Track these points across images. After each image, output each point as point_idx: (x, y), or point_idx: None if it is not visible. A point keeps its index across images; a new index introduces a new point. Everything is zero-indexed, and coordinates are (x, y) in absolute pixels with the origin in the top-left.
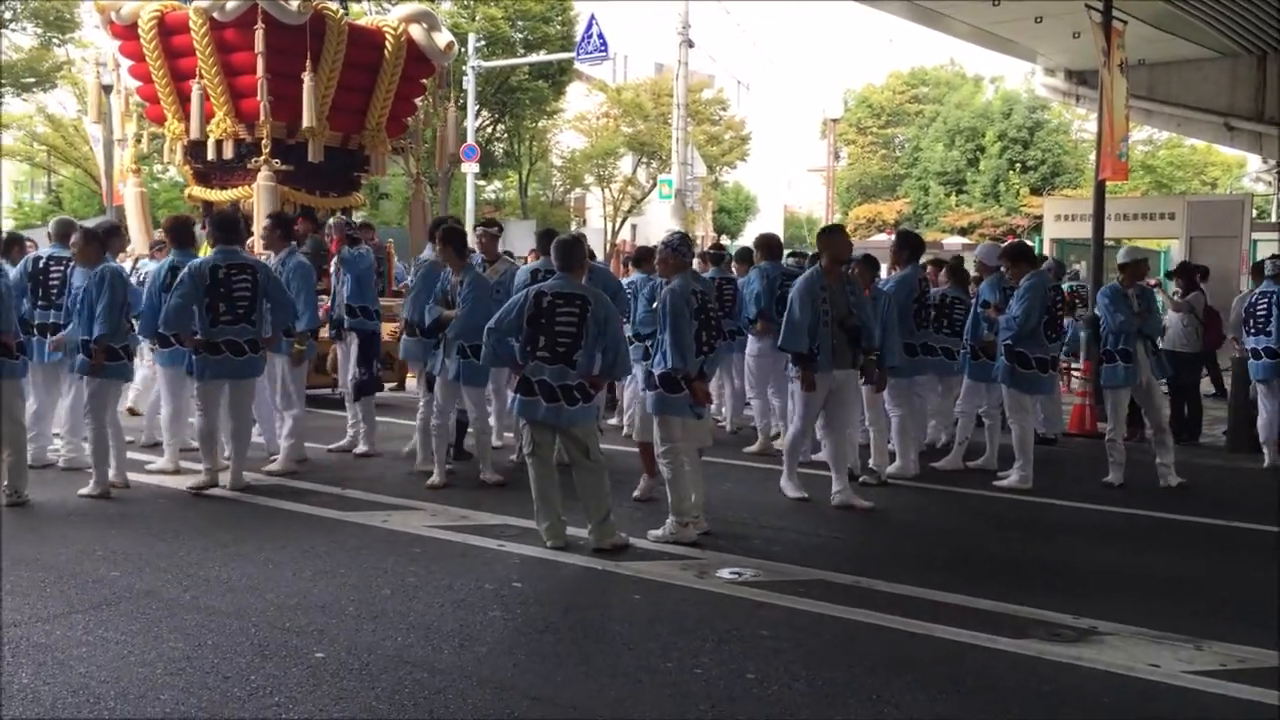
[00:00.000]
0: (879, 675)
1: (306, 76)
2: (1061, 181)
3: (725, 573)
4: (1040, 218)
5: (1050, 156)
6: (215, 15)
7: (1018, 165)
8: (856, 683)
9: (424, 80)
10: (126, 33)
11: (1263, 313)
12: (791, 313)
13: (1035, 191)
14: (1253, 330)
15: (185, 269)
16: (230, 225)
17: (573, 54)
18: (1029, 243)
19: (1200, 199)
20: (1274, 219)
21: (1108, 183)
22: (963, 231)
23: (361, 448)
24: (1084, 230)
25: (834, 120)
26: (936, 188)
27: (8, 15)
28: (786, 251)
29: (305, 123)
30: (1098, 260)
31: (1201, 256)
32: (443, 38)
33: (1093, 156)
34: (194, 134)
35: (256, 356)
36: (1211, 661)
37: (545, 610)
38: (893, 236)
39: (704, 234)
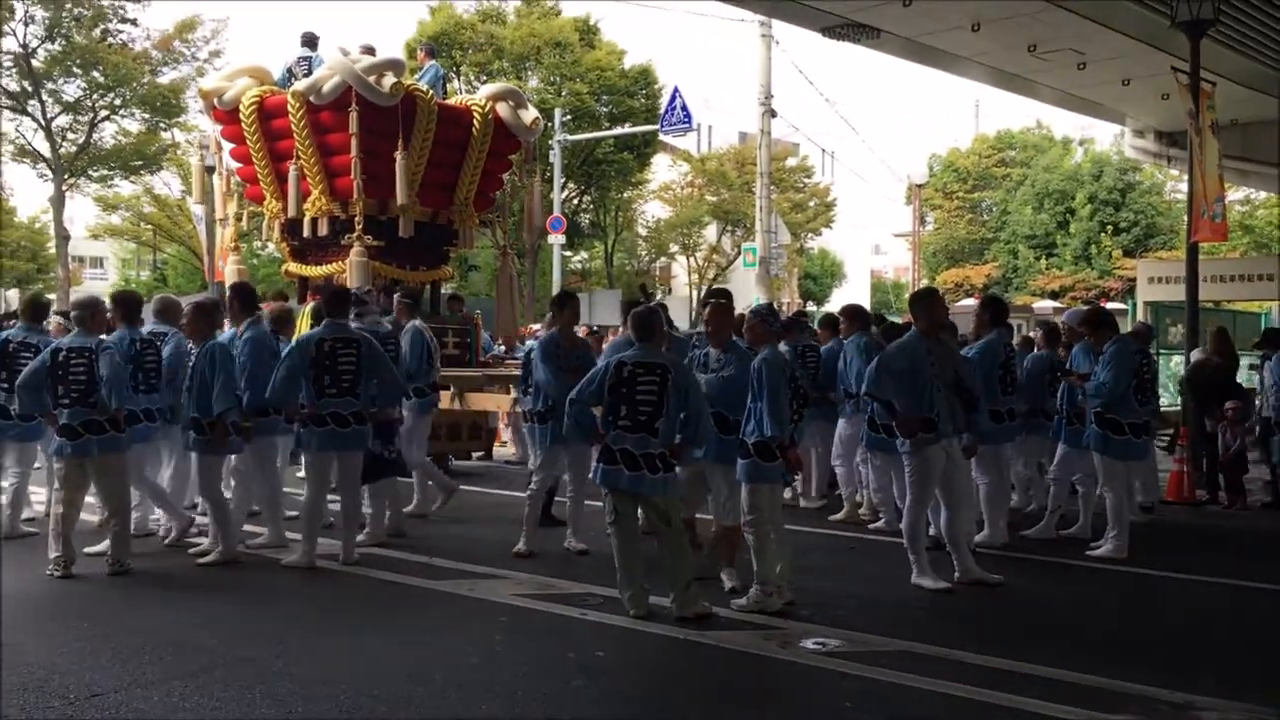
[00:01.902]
0: None
1: (399, 155)
2: (1155, 243)
3: (809, 643)
4: (1133, 280)
5: (1143, 218)
6: (312, 99)
7: (1109, 227)
8: None
9: (511, 155)
10: (228, 117)
11: None
12: (884, 366)
13: (1128, 254)
14: None
15: (293, 342)
16: (340, 300)
17: (657, 126)
18: (1120, 305)
19: None
20: None
21: (1204, 244)
22: (1053, 295)
23: (361, 536)
24: (1178, 293)
25: (919, 185)
26: (1025, 251)
27: (118, 102)
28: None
29: (399, 200)
30: (1192, 323)
31: None
32: (528, 114)
33: (1187, 217)
34: (291, 212)
35: (362, 429)
36: None
37: (628, 680)
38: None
39: (789, 301)
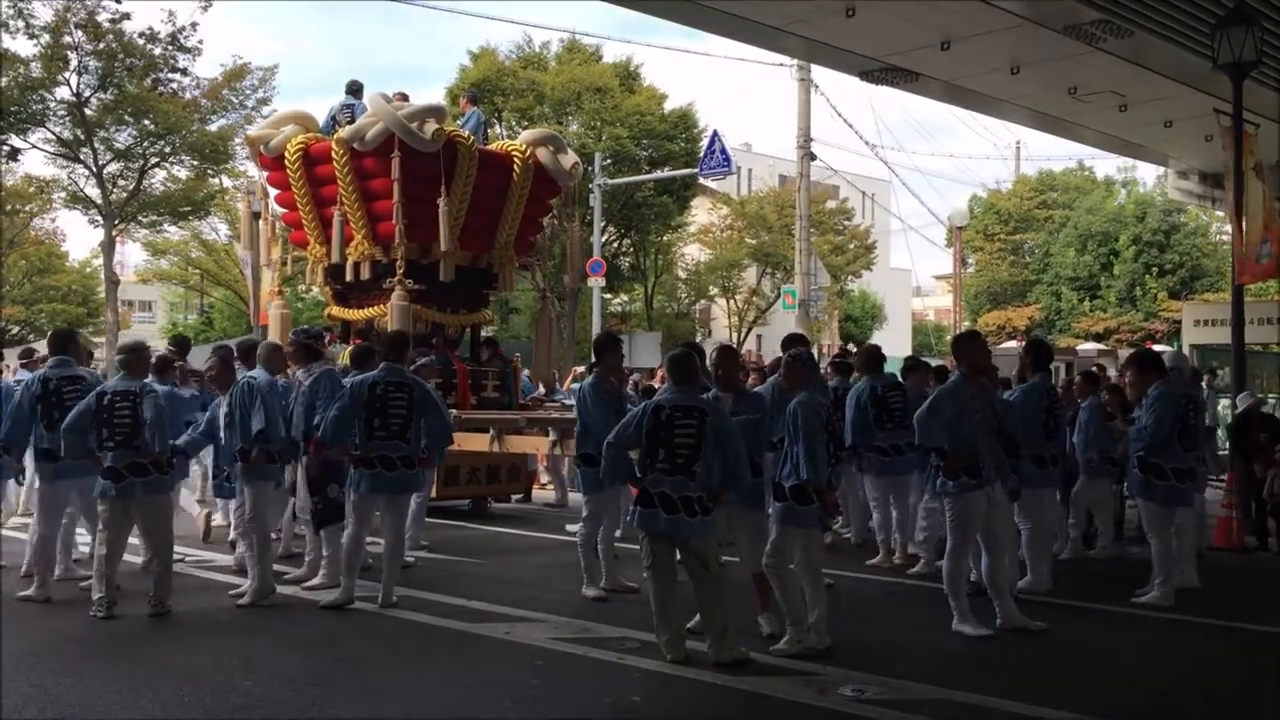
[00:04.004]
0: None
1: (441, 201)
2: (1201, 285)
3: (847, 690)
4: (1179, 323)
5: (1188, 260)
6: (355, 145)
7: (1154, 269)
8: None
9: (551, 200)
10: (274, 163)
11: None
12: (934, 410)
13: (1174, 295)
14: None
15: (348, 384)
16: (399, 345)
17: (696, 169)
18: (1158, 349)
19: None
20: None
21: (1250, 286)
22: (1098, 337)
23: (316, 580)
24: (1224, 335)
25: (960, 228)
26: (1069, 293)
27: (168, 150)
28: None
29: (442, 246)
30: (1239, 365)
31: None
32: (568, 159)
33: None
34: (334, 257)
35: (411, 473)
36: None
37: None
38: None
39: (830, 343)
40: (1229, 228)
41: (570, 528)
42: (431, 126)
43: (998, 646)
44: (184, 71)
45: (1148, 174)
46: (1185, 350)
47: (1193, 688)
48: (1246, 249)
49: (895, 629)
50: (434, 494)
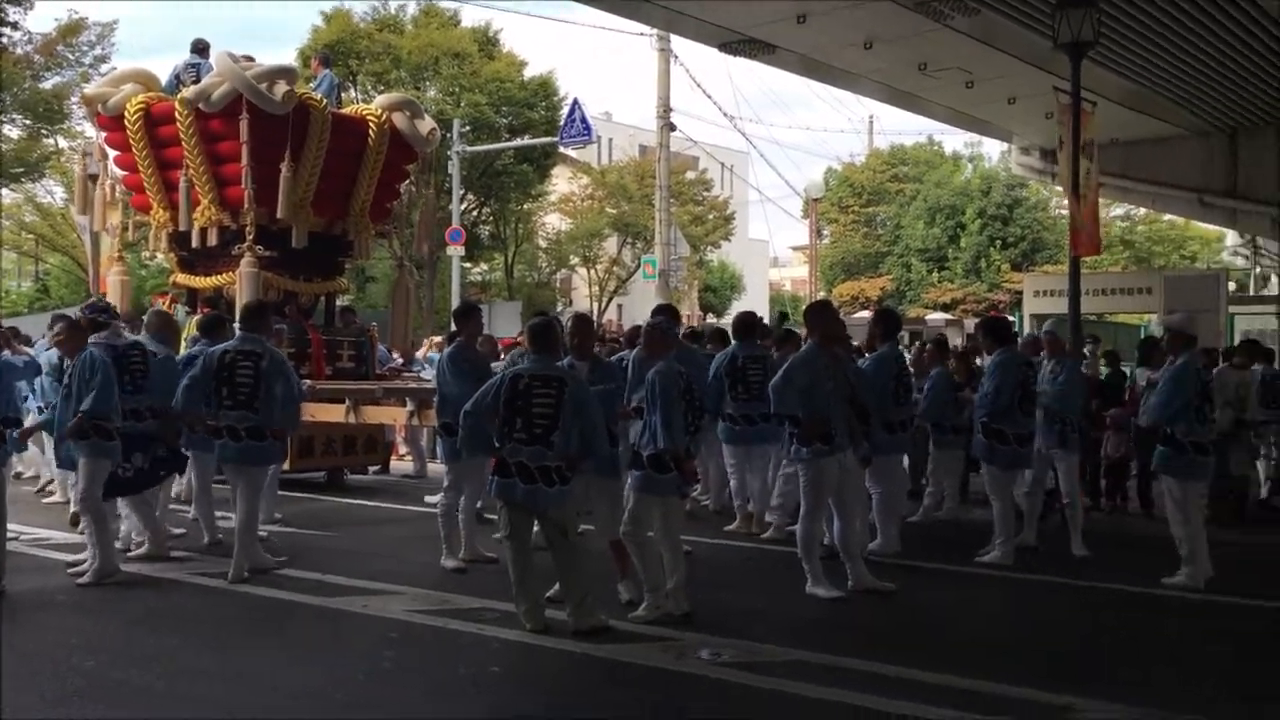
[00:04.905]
0: None
1: (284, 166)
2: (1041, 258)
3: (704, 654)
4: (1020, 293)
5: (1029, 233)
6: (201, 106)
7: (998, 242)
8: None
9: (407, 166)
10: (113, 124)
11: None
12: (788, 379)
13: (1016, 267)
14: None
15: (199, 354)
16: (257, 314)
17: (556, 138)
18: (1009, 318)
19: (1176, 274)
20: (1252, 292)
21: (1086, 258)
22: (945, 308)
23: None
24: (1063, 305)
25: (815, 200)
26: (918, 265)
27: None
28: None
29: (279, 213)
30: (1075, 335)
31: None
32: (425, 125)
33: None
34: (181, 224)
35: (260, 444)
36: None
37: (520, 696)
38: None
39: (689, 313)
40: (1067, 202)
41: (429, 499)
42: (282, 88)
43: (850, 608)
44: (14, 25)
45: (993, 149)
46: (1026, 319)
47: (1037, 644)
48: (1086, 222)
49: (752, 594)
50: (288, 466)
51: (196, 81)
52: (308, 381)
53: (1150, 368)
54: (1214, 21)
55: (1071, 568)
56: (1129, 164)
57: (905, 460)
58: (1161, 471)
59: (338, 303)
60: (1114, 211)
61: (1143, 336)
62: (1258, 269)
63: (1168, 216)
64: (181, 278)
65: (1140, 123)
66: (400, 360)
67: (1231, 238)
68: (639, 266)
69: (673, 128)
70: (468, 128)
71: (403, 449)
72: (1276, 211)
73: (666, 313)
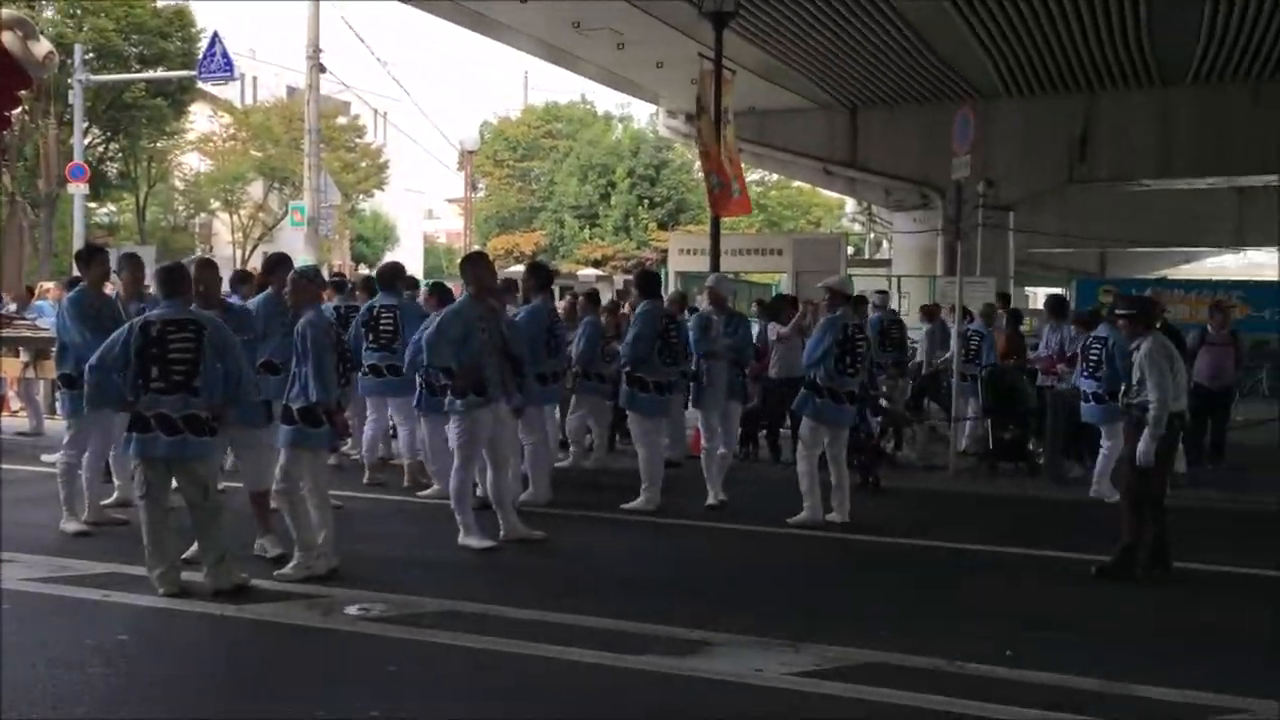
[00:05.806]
0: (508, 702)
1: None
2: (685, 218)
3: (353, 609)
4: (666, 251)
5: (675, 194)
6: None
7: (646, 201)
8: (486, 712)
9: (20, 93)
10: None
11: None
12: (442, 332)
13: (662, 226)
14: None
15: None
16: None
17: (194, 72)
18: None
19: (804, 237)
20: (868, 256)
21: (725, 220)
22: (596, 264)
23: None
24: (704, 264)
25: (470, 152)
26: (571, 221)
27: None
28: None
29: None
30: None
31: (807, 290)
32: (40, 48)
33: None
34: None
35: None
36: (807, 662)
37: (156, 663)
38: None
39: (341, 262)
40: None
41: (46, 457)
42: None
43: (502, 557)
44: None
45: (642, 112)
46: (671, 276)
47: (677, 584)
48: (722, 183)
49: (404, 546)
50: None
51: None
52: None
53: (780, 323)
54: (843, 4)
55: (711, 513)
56: (763, 132)
57: (556, 411)
58: (800, 411)
59: None
60: (750, 177)
61: (774, 295)
62: (872, 234)
63: (796, 183)
64: None
65: (775, 94)
66: (13, 306)
67: (851, 205)
68: (286, 213)
69: (323, 69)
70: (92, 55)
71: (15, 404)
72: (888, 182)
73: (284, 262)
